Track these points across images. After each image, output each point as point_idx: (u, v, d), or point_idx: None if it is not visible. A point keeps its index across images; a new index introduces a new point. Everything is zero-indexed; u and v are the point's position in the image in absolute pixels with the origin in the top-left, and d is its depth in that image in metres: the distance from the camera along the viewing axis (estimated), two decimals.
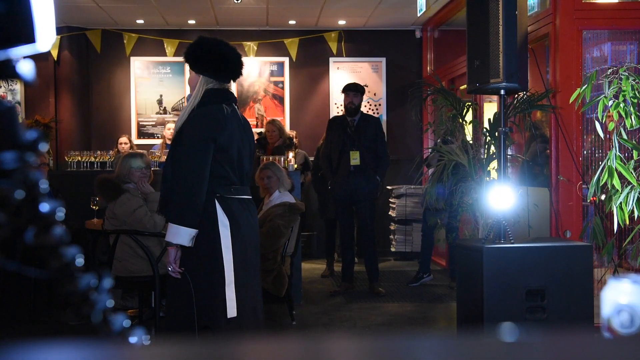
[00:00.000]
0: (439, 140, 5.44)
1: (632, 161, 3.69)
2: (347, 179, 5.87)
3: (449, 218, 5.80)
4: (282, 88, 8.54)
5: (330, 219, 6.73)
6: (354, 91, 5.95)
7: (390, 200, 7.80)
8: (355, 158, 5.83)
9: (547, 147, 4.92)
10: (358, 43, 8.56)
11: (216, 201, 2.85)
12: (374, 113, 8.36)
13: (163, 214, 2.99)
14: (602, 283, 4.15)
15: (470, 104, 4.96)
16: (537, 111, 4.93)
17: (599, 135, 3.94)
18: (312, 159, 7.23)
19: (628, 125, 3.62)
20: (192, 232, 2.76)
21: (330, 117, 7.30)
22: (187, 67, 3.08)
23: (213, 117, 2.88)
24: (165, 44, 8.40)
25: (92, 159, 6.42)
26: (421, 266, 6.42)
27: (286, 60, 8.52)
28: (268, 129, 6.99)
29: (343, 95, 6.04)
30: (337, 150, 5.94)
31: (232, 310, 2.85)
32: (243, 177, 2.98)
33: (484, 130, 4.58)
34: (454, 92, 6.58)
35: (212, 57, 2.93)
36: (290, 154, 6.52)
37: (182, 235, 2.76)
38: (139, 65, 8.46)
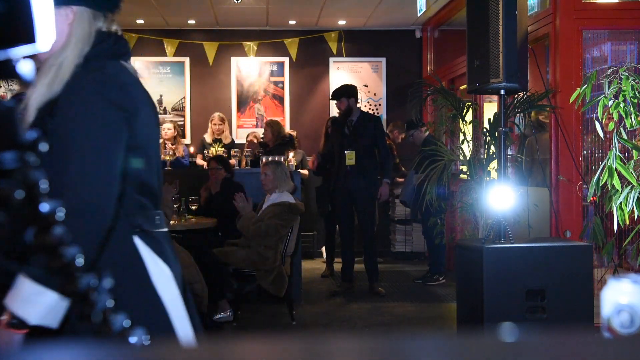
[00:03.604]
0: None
1: (632, 161, 3.69)
2: (345, 180, 5.86)
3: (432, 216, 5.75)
4: (282, 88, 8.54)
5: (330, 218, 6.71)
6: (336, 99, 5.98)
7: (390, 200, 7.80)
8: (350, 158, 5.81)
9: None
10: (358, 43, 8.56)
11: (137, 240, 1.58)
12: (374, 113, 8.35)
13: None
14: (602, 283, 4.15)
15: (470, 104, 4.96)
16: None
17: (599, 135, 3.94)
18: (309, 158, 7.23)
19: (628, 125, 3.62)
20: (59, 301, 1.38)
21: (330, 117, 7.29)
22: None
23: (119, 86, 1.66)
24: (165, 44, 8.40)
25: None
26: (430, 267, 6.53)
27: (286, 60, 8.52)
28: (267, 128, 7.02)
29: None
30: (336, 150, 5.94)
31: None
32: (159, 197, 1.69)
33: (484, 130, 4.58)
34: (454, 92, 6.58)
35: None
36: (291, 154, 6.52)
37: (40, 302, 1.40)
38: (138, 65, 8.45)
